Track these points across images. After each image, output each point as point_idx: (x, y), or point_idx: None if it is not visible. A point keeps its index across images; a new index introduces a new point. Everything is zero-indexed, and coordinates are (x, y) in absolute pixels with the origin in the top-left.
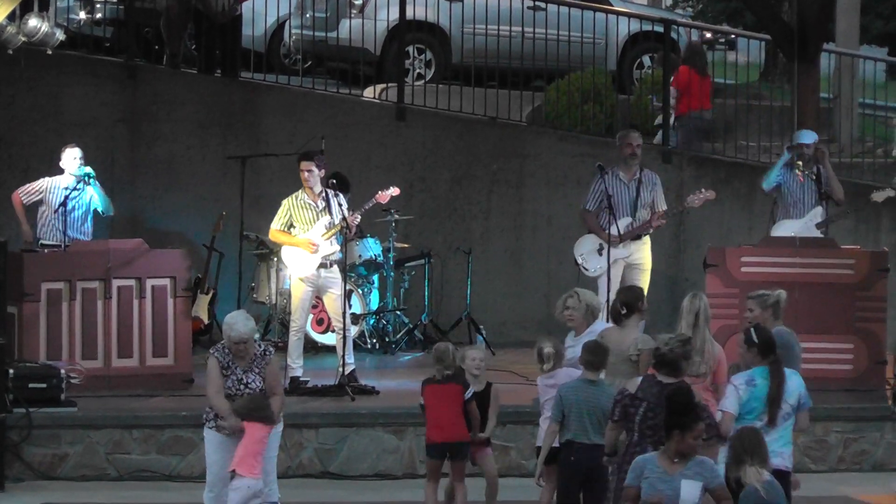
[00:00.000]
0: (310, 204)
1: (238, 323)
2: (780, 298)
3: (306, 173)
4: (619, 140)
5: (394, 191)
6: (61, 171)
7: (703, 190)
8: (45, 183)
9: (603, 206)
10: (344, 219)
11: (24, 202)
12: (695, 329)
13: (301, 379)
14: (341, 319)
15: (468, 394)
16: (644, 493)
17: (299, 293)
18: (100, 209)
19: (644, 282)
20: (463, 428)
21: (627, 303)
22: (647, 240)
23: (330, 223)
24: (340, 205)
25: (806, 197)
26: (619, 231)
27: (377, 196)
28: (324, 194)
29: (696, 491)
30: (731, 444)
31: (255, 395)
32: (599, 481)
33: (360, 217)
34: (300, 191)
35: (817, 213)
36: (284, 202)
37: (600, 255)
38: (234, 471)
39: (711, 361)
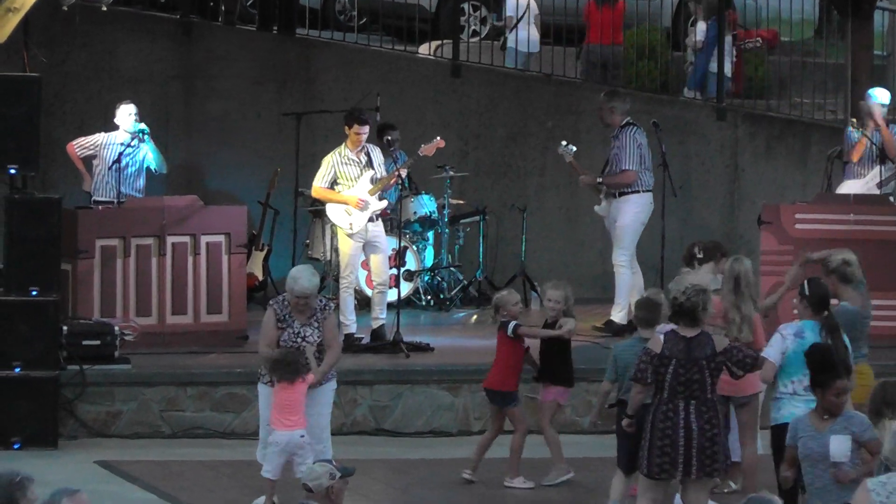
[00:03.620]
0: (353, 160)
1: (303, 278)
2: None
3: (363, 136)
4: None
5: (438, 142)
6: (116, 128)
7: None
8: (100, 138)
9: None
10: (398, 174)
11: (79, 154)
12: (735, 294)
13: (356, 336)
14: (382, 275)
15: (510, 329)
16: (800, 454)
17: (348, 249)
18: (153, 167)
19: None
20: (502, 378)
21: (707, 248)
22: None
23: (374, 178)
24: (380, 164)
25: (868, 157)
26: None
27: (421, 150)
28: (365, 150)
29: (845, 444)
30: (872, 395)
31: (283, 352)
32: None
33: (406, 171)
34: (342, 147)
35: (877, 173)
36: (326, 159)
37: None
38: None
39: (750, 327)
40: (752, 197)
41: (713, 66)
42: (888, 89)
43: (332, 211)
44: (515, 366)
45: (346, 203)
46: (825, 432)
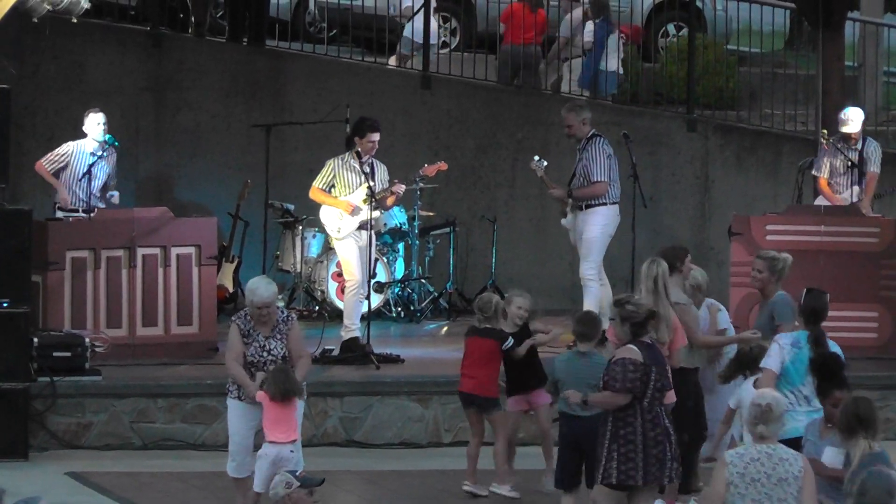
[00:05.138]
0: (355, 167)
1: (260, 287)
2: (787, 264)
3: (374, 144)
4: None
5: (440, 165)
6: (84, 136)
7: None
8: (69, 147)
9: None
10: (372, 194)
11: (49, 170)
12: (655, 295)
13: (326, 347)
14: (366, 284)
15: (507, 344)
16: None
17: (352, 250)
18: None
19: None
20: (488, 385)
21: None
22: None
23: (371, 190)
24: (382, 180)
25: (845, 176)
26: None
27: (424, 169)
28: (370, 161)
29: (838, 457)
30: (844, 412)
31: (282, 377)
32: (593, 451)
33: (404, 188)
34: (347, 154)
35: (854, 194)
36: (330, 162)
37: None
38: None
39: (669, 328)
40: (723, 208)
41: (603, 65)
42: (859, 101)
43: (324, 214)
44: (497, 371)
45: (337, 207)
46: (824, 441)
